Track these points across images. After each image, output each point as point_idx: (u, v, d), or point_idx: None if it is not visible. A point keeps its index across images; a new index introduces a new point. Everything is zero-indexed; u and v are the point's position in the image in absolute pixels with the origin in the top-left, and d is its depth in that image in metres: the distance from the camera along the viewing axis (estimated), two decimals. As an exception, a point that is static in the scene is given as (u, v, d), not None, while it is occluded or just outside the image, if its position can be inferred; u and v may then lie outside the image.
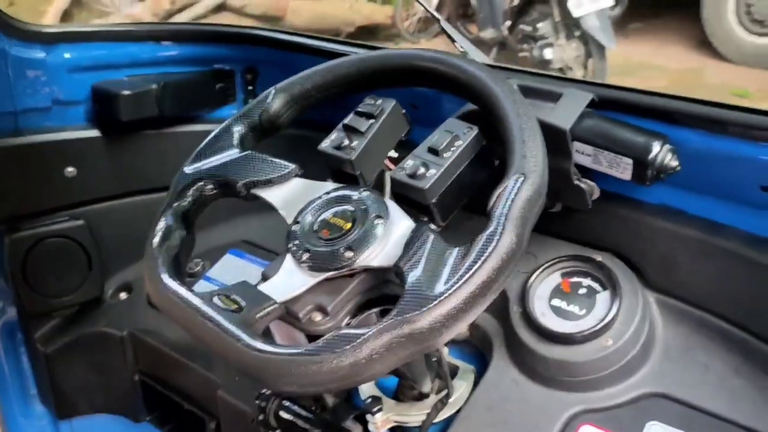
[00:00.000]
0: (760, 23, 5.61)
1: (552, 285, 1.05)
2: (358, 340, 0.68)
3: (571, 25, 5.44)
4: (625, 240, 1.05)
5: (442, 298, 0.68)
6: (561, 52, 5.58)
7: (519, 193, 0.73)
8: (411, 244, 0.76)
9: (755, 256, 0.94)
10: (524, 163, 0.76)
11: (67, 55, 1.34)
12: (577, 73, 5.65)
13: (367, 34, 6.87)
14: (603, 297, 1.01)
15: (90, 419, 1.50)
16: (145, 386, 1.41)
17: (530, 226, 0.74)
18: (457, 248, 0.72)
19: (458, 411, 1.01)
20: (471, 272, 0.69)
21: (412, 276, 0.72)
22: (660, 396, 0.96)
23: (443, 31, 1.16)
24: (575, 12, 5.28)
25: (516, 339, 1.02)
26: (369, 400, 1.02)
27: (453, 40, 1.13)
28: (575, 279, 1.04)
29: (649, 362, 0.99)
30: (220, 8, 6.09)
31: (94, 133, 1.39)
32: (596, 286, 1.03)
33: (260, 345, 0.72)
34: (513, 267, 0.72)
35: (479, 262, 0.69)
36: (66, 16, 5.60)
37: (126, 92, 1.34)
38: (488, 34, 6.14)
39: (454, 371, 1.06)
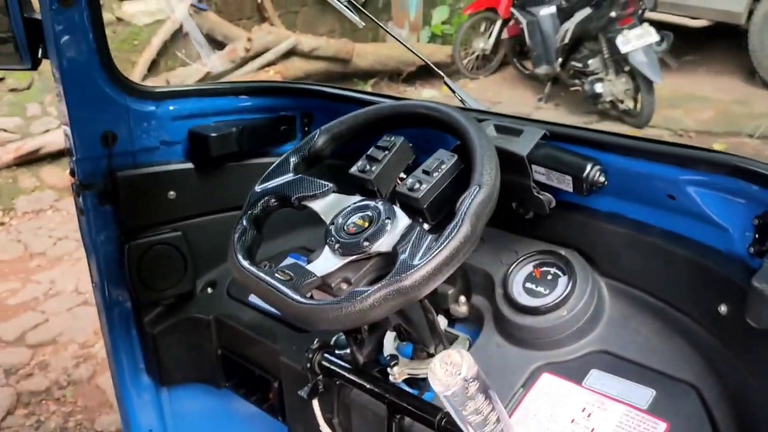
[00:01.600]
0: (807, 52, 5.67)
1: (526, 273, 1.35)
2: (365, 294, 1.01)
3: (619, 61, 5.62)
4: (580, 238, 1.34)
5: (418, 266, 1.01)
6: (611, 87, 5.75)
7: (475, 198, 1.06)
8: (405, 234, 1.09)
9: (669, 247, 1.22)
10: (481, 178, 1.09)
11: (171, 108, 1.67)
12: (628, 105, 5.79)
13: (427, 72, 7.17)
14: (563, 281, 1.30)
15: (184, 387, 1.84)
16: (225, 359, 1.71)
17: (483, 221, 1.06)
18: (431, 235, 1.06)
19: (455, 367, 1.33)
20: (439, 250, 1.01)
21: (402, 254, 1.05)
22: (602, 352, 1.24)
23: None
24: (623, 48, 5.47)
25: (499, 313, 1.32)
26: (389, 357, 1.34)
27: (453, 91, 1.48)
28: (544, 268, 1.34)
29: (597, 329, 1.27)
30: (289, 54, 6.55)
31: (189, 165, 1.72)
32: (558, 272, 1.32)
33: (304, 300, 1.06)
34: (469, 247, 1.03)
35: (444, 244, 1.02)
36: (153, 65, 6.22)
37: (214, 134, 1.67)
38: (542, 70, 6.39)
39: (454, 339, 1.38)
